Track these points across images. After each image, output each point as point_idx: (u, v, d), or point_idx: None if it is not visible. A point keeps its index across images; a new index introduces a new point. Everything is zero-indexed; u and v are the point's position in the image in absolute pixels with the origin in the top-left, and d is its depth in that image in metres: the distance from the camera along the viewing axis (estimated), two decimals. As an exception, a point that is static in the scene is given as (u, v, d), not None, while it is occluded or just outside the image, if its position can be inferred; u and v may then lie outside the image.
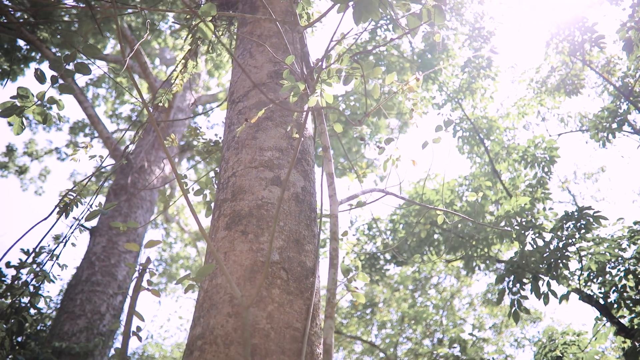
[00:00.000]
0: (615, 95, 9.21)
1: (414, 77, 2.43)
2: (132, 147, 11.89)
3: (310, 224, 2.90)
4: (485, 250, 8.53)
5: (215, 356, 2.31)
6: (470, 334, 12.38)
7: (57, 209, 3.56)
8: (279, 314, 2.42)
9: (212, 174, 4.53)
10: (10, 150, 16.83)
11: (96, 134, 16.26)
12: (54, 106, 3.25)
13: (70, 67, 3.15)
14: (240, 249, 2.63)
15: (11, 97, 3.21)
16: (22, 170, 17.13)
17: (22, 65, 12.36)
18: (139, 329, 2.15)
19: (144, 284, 2.42)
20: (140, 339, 2.16)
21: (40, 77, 3.28)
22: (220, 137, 4.74)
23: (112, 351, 8.36)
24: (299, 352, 2.35)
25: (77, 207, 3.60)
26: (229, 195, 2.95)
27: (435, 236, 8.95)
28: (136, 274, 2.28)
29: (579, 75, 9.58)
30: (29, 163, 17.29)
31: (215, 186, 4.49)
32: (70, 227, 3.63)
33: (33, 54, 12.18)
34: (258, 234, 2.69)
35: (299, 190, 2.98)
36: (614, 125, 8.41)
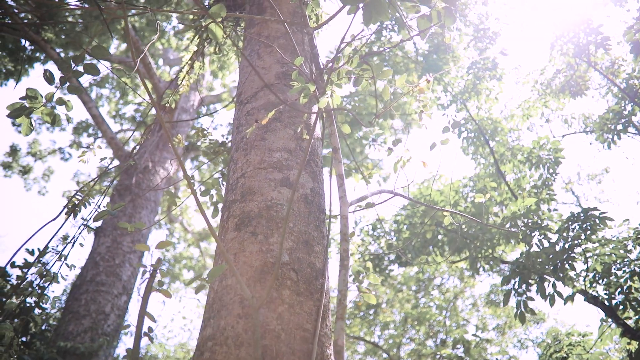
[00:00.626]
0: (620, 97, 9.19)
1: (424, 78, 2.43)
2: (136, 148, 11.88)
3: (319, 225, 2.91)
4: (490, 251, 8.53)
5: (226, 357, 2.31)
6: (474, 335, 12.37)
7: (66, 210, 3.57)
8: (289, 315, 2.42)
9: (216, 174, 4.53)
10: (14, 151, 16.87)
11: (100, 134, 16.29)
12: (59, 107, 3.26)
13: (78, 68, 3.16)
14: (250, 250, 2.63)
15: (20, 98, 3.22)
16: (25, 170, 17.16)
17: (26, 66, 12.39)
18: (150, 329, 2.16)
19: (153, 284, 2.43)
20: (151, 339, 2.17)
21: (49, 78, 3.29)
22: (226, 138, 4.75)
23: (117, 351, 8.37)
24: (309, 353, 2.36)
25: (85, 207, 3.61)
26: (238, 196, 2.96)
27: (439, 237, 8.94)
28: (147, 275, 2.29)
29: (583, 77, 9.57)
30: (33, 163, 17.32)
31: (222, 187, 4.50)
32: (78, 228, 3.64)
33: (37, 54, 12.21)
34: (268, 235, 2.69)
35: (308, 192, 2.98)
36: (619, 127, 8.40)
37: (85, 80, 16.53)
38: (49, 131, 17.26)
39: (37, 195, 17.79)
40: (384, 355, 15.63)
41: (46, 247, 4.28)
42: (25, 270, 5.56)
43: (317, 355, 2.38)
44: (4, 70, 11.88)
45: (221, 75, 16.01)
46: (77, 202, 3.62)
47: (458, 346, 10.70)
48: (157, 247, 2.40)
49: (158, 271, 2.30)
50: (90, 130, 16.93)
